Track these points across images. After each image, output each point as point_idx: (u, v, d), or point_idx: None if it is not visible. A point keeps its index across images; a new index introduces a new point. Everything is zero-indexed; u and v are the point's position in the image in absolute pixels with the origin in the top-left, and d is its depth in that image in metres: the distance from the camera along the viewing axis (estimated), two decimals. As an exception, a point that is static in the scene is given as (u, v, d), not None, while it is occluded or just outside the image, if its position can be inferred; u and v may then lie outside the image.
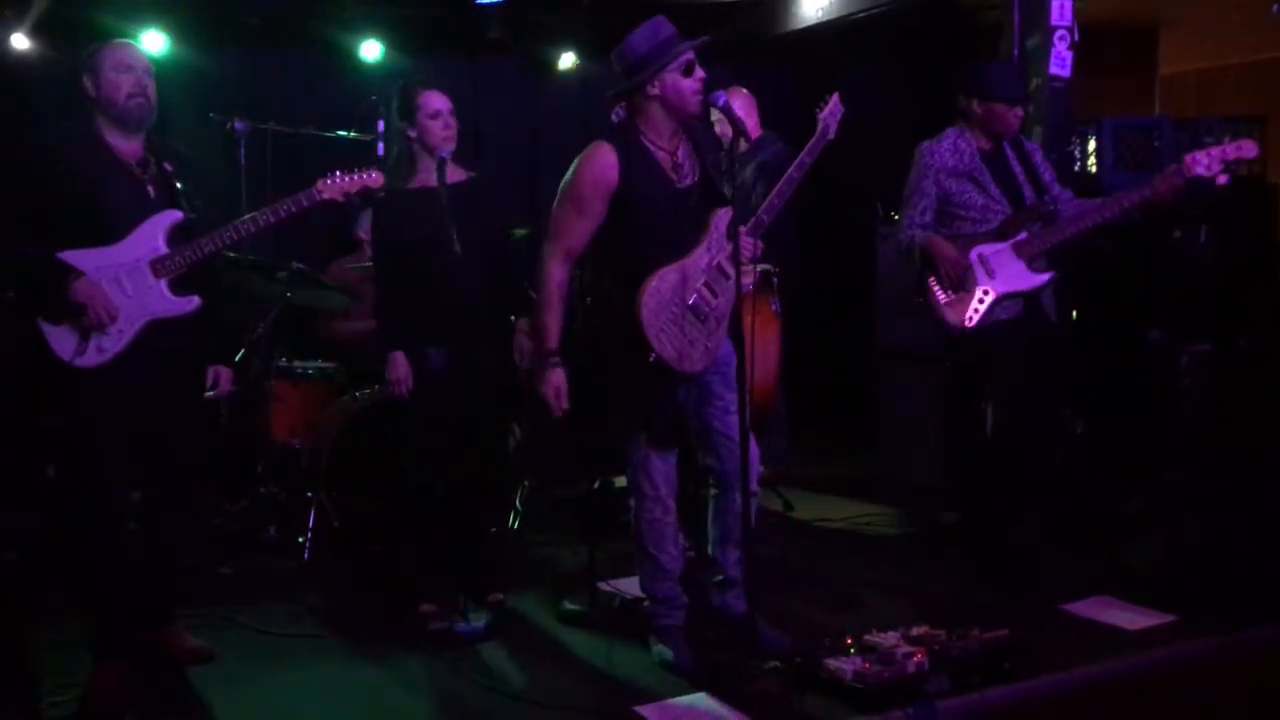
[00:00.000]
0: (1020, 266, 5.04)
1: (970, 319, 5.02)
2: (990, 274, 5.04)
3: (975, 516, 5.28)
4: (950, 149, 5.15)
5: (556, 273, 4.11)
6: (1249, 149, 4.86)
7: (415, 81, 4.79)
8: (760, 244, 4.32)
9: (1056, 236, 5.05)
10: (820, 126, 4.53)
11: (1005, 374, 5.07)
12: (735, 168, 4.08)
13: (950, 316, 5.09)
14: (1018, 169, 5.17)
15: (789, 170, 4.46)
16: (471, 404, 4.70)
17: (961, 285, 5.06)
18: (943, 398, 6.37)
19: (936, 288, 5.13)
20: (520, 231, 6.10)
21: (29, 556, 5.19)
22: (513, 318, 4.95)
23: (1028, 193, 5.14)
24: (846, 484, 6.90)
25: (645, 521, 4.26)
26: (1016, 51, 6.20)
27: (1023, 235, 5.05)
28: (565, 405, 4.11)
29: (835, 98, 4.61)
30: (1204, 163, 4.82)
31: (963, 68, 5.46)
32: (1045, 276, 5.06)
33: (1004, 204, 5.10)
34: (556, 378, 4.11)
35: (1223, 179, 4.91)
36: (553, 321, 4.11)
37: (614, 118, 4.26)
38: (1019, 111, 5.15)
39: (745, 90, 6.32)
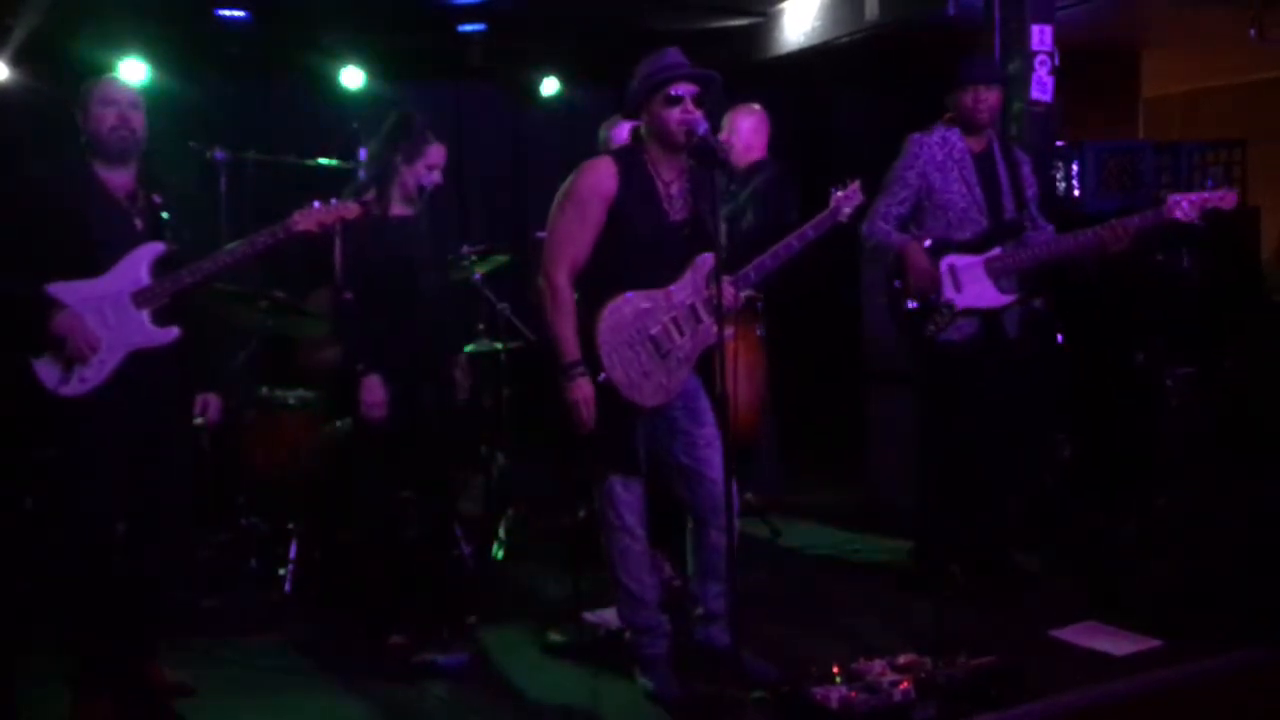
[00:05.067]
0: (988, 284, 5.01)
1: (929, 330, 5.02)
2: (957, 287, 5.01)
3: (929, 536, 5.31)
4: (939, 141, 5.10)
5: (563, 285, 4.07)
6: (1229, 199, 4.83)
7: (423, 120, 4.77)
8: (741, 296, 4.29)
9: (1028, 258, 5.01)
10: (833, 205, 4.41)
11: (958, 395, 5.08)
12: (720, 196, 4.07)
13: (911, 325, 5.08)
14: (1004, 178, 5.12)
15: (789, 238, 4.35)
16: (422, 432, 4.70)
17: (926, 297, 5.03)
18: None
19: (902, 295, 5.10)
20: (503, 258, 6.11)
21: (8, 591, 5.14)
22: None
23: (1008, 205, 5.10)
24: (833, 509, 6.87)
25: (616, 552, 4.23)
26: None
27: (996, 251, 5.02)
28: (593, 415, 4.04)
29: (856, 185, 4.46)
30: (1184, 206, 4.79)
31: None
32: (1010, 298, 5.04)
33: (984, 213, 5.07)
34: (584, 387, 4.03)
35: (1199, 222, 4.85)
36: (569, 333, 4.06)
37: (616, 135, 4.24)
38: (986, 94, 5.05)
39: (757, 107, 6.27)
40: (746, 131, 6.21)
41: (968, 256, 5.02)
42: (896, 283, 5.11)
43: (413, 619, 4.71)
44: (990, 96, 5.08)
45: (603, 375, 4.03)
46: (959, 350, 5.03)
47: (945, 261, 5.01)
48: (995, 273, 5.00)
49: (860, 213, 4.53)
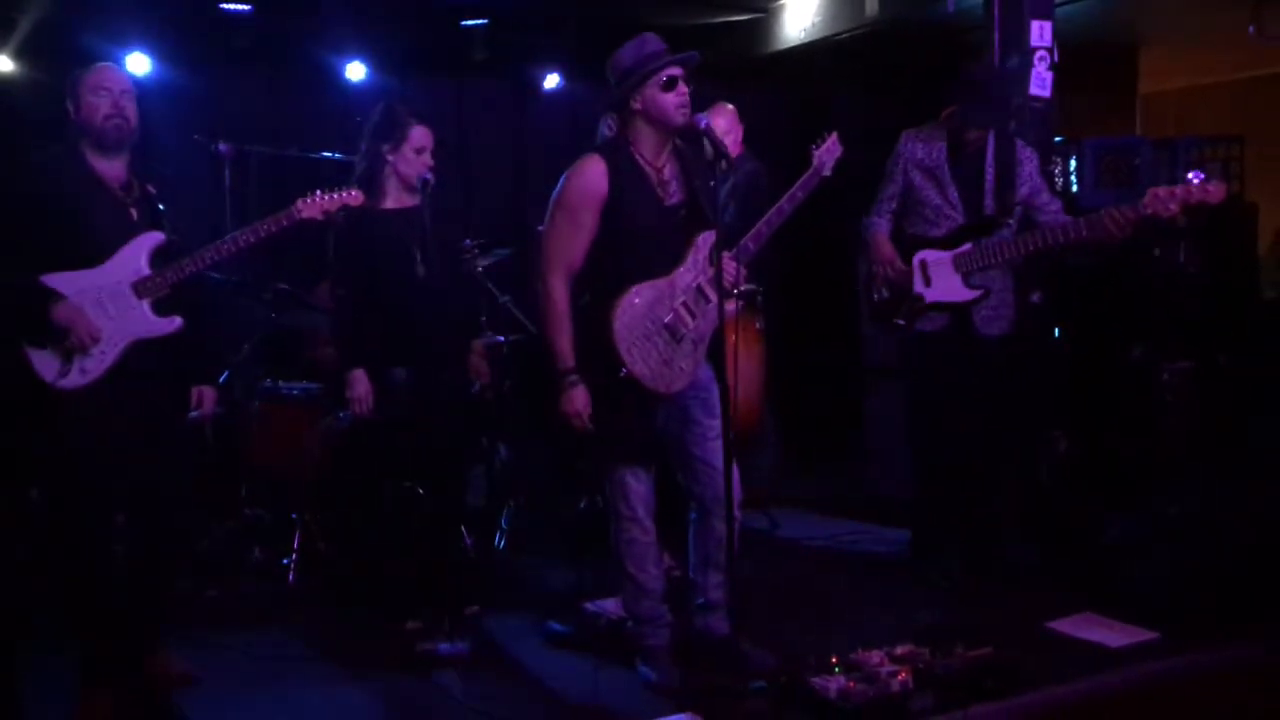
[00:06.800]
0: (956, 280, 5.07)
1: (898, 322, 5.13)
2: (927, 281, 5.08)
3: (926, 528, 5.39)
4: (924, 140, 5.20)
5: (560, 292, 4.09)
6: (1216, 193, 4.53)
7: (405, 108, 4.79)
8: (743, 271, 4.30)
9: (999, 255, 5.03)
10: (815, 163, 4.43)
11: (925, 388, 5.17)
12: (719, 189, 4.09)
13: (880, 314, 5.21)
14: (990, 176, 5.13)
15: (780, 202, 4.37)
16: (435, 421, 4.72)
17: (896, 287, 5.13)
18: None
19: (874, 283, 5.24)
20: (505, 251, 6.13)
21: (11, 583, 5.16)
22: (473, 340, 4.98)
23: (989, 203, 5.12)
24: (832, 501, 6.91)
25: (624, 543, 4.25)
26: (997, 71, 6.24)
27: (966, 247, 5.07)
28: (589, 424, 4.09)
29: (833, 137, 4.49)
30: (1163, 200, 4.57)
31: (960, 72, 5.40)
32: (975, 293, 5.07)
33: (959, 210, 5.11)
34: (579, 396, 4.08)
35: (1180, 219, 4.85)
36: (565, 342, 4.09)
37: (605, 130, 4.26)
38: (976, 135, 5.14)
39: (730, 106, 6.27)
40: (725, 129, 6.21)
41: (938, 252, 5.09)
42: (875, 269, 5.25)
43: (415, 609, 4.73)
44: (979, 137, 5.14)
45: (624, 371, 4.04)
46: (925, 343, 5.15)
47: (918, 256, 5.11)
48: (964, 269, 5.05)
49: (840, 165, 4.51)
